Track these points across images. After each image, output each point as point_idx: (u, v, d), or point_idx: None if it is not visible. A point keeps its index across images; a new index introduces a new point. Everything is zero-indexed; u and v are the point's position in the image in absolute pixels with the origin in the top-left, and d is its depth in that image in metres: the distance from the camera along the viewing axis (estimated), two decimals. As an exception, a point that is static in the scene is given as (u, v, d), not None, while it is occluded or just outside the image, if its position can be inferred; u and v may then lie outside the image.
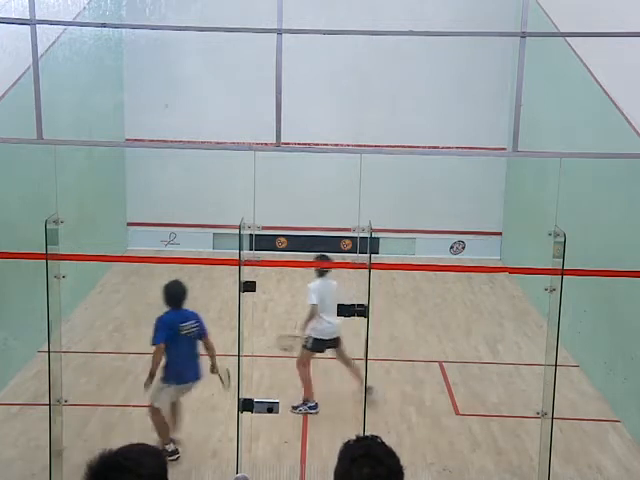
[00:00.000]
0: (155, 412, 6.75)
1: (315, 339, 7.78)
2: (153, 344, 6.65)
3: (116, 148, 12.80)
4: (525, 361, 9.25)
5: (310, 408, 7.78)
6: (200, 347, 6.94)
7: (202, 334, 6.90)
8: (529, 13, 5.67)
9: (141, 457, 2.45)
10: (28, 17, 5.57)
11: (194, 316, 6.85)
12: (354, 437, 2.63)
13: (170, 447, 6.75)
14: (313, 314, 7.76)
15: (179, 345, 6.69)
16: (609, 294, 8.21)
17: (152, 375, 6.63)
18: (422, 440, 7.29)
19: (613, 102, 8.39)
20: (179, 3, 11.46)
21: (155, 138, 12.56)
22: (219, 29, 5.85)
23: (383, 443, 2.58)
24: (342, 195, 12.42)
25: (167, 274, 11.92)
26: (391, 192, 13.21)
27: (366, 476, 2.45)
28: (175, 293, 6.86)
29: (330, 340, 7.83)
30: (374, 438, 2.60)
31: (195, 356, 6.87)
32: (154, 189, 13.40)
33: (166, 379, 6.71)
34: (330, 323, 7.69)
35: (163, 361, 6.68)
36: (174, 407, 7.01)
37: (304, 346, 7.82)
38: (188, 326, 6.76)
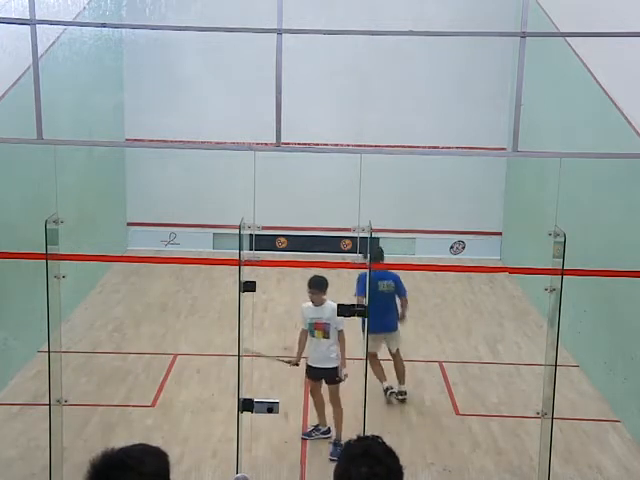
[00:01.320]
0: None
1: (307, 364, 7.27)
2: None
3: (116, 148, 12.79)
4: (525, 361, 9.24)
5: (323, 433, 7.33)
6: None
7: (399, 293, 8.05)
8: (529, 13, 5.67)
9: (143, 456, 2.47)
10: (28, 17, 5.57)
11: (391, 276, 7.92)
12: (355, 437, 2.63)
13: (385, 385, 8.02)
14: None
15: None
16: (609, 294, 8.20)
17: None
18: (422, 440, 7.29)
19: (613, 102, 8.39)
20: (179, 3, 11.46)
21: (155, 138, 12.55)
22: (219, 29, 5.86)
23: (383, 443, 2.58)
24: (342, 195, 12.40)
25: (167, 274, 12.01)
26: (391, 192, 13.21)
27: (364, 475, 2.45)
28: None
29: (319, 369, 7.19)
30: (375, 438, 2.60)
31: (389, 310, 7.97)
32: (154, 189, 13.40)
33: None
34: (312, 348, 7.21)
35: None
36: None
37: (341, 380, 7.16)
38: (386, 284, 7.81)
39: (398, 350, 8.14)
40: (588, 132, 9.20)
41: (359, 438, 2.61)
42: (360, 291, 7.49)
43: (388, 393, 8.00)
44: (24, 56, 5.93)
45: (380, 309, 7.38)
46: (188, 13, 11.37)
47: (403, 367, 8.17)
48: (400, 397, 8.03)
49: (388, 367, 8.17)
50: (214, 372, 8.64)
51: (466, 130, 12.96)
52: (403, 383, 8.13)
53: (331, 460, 6.79)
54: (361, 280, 7.39)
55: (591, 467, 6.89)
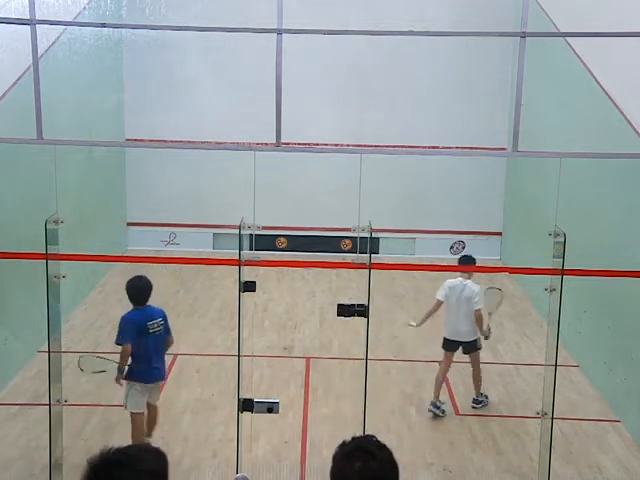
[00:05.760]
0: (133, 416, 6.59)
1: (443, 337, 8.01)
2: (118, 344, 6.47)
3: (116, 148, 12.80)
4: (525, 361, 9.24)
5: (435, 407, 7.82)
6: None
7: (167, 332, 6.74)
8: (529, 13, 5.67)
9: (140, 454, 2.48)
10: (28, 17, 5.57)
11: (160, 313, 6.67)
12: (350, 438, 2.64)
13: None
14: (434, 309, 8.03)
15: (146, 343, 6.50)
16: (609, 294, 8.21)
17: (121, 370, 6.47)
18: (422, 440, 7.29)
19: (613, 102, 8.39)
20: (179, 3, 11.46)
21: (155, 138, 12.56)
22: (219, 29, 5.86)
23: (375, 439, 2.59)
24: (342, 195, 12.44)
25: (167, 274, 12.00)
26: (391, 192, 13.21)
27: (358, 470, 2.46)
28: (139, 290, 6.62)
29: (453, 341, 7.90)
30: (367, 436, 2.62)
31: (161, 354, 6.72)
32: (154, 189, 13.40)
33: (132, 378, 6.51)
34: (451, 324, 7.88)
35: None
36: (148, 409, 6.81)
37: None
38: (156, 324, 6.57)
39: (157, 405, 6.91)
40: (588, 132, 9.20)
41: (353, 438, 2.63)
42: (125, 338, 6.44)
43: None
44: (24, 56, 5.93)
45: (154, 354, 6.57)
46: (188, 13, 11.36)
47: (156, 420, 6.90)
48: None
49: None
50: (214, 372, 8.64)
51: (466, 130, 12.96)
52: (151, 435, 6.87)
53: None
54: (126, 324, 6.49)
55: (591, 467, 6.89)
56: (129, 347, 6.41)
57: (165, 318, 6.70)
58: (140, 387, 6.54)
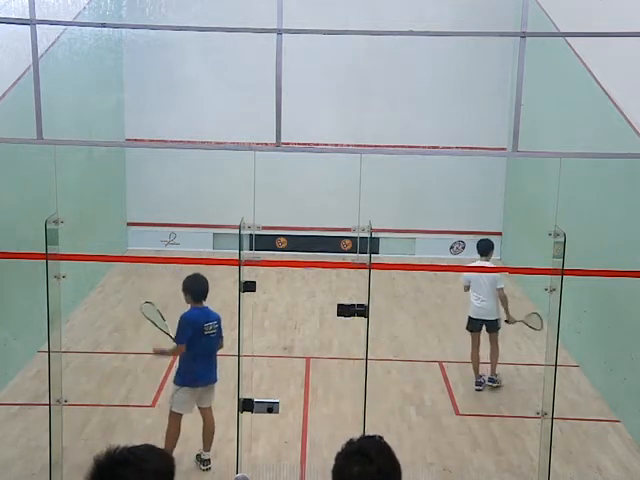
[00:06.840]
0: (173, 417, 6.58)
1: (468, 316, 8.46)
2: (176, 342, 6.50)
3: (116, 148, 12.80)
4: (525, 361, 9.24)
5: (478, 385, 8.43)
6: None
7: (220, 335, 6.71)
8: (529, 13, 5.67)
9: (146, 454, 2.49)
10: (28, 17, 5.58)
11: (216, 316, 6.66)
12: (358, 436, 2.63)
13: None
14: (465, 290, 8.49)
15: (198, 345, 6.49)
16: (609, 294, 8.21)
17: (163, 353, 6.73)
18: (422, 440, 7.29)
19: (613, 102, 8.39)
20: (179, 3, 11.46)
21: (155, 138, 12.56)
22: (219, 29, 5.86)
23: (380, 442, 2.57)
24: (342, 195, 12.45)
25: (167, 274, 11.99)
26: (391, 192, 13.21)
27: (356, 474, 2.46)
28: (201, 286, 6.70)
29: (477, 320, 8.36)
30: (373, 437, 2.61)
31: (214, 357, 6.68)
32: (154, 189, 13.40)
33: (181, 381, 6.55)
34: (475, 303, 8.33)
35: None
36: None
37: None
38: (211, 326, 6.57)
39: (211, 407, 6.76)
40: (588, 132, 9.20)
41: (360, 437, 2.61)
42: (182, 337, 6.46)
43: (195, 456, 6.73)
44: (24, 56, 5.93)
45: (206, 357, 6.53)
46: (188, 13, 11.36)
47: (214, 427, 6.71)
48: (204, 467, 6.61)
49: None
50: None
51: (466, 130, 12.95)
52: (209, 449, 6.70)
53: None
54: (186, 323, 6.50)
55: (591, 467, 6.89)
56: (184, 347, 6.45)
57: (220, 321, 6.66)
58: (189, 390, 6.52)
